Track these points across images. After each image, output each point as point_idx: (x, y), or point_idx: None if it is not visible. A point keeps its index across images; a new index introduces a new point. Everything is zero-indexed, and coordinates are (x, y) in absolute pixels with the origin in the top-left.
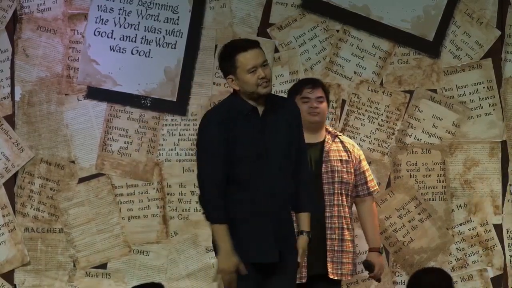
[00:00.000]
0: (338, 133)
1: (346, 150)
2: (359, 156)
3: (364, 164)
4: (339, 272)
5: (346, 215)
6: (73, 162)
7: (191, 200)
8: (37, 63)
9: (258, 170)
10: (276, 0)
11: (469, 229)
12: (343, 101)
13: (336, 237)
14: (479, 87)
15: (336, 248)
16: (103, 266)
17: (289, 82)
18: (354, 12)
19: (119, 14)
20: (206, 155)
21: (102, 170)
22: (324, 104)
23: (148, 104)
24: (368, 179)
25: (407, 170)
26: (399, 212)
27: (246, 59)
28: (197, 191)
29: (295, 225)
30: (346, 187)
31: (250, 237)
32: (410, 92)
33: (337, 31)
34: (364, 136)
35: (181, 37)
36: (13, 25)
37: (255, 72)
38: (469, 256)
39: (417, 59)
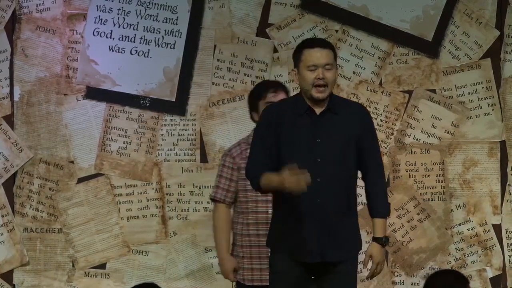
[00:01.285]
0: None
1: None
2: None
3: None
4: None
5: None
6: (72, 162)
7: (190, 200)
8: (36, 63)
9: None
10: (275, 0)
11: (468, 229)
12: None
13: None
14: (478, 87)
15: None
16: (102, 266)
17: (288, 82)
18: (353, 12)
19: (118, 14)
20: (253, 142)
21: (101, 170)
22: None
23: (147, 104)
24: None
25: (406, 170)
26: (398, 212)
27: (309, 55)
28: (196, 191)
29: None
30: None
31: (292, 236)
32: (409, 92)
33: (336, 31)
34: None
35: (180, 37)
36: (12, 25)
37: (314, 71)
38: (468, 256)
39: (416, 59)
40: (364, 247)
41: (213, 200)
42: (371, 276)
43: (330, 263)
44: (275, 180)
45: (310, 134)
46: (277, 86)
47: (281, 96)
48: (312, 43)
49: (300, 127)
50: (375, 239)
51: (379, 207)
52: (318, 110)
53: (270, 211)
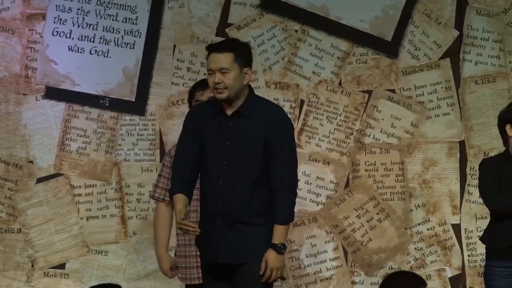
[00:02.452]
0: None
1: None
2: None
3: None
4: None
5: None
6: (31, 162)
7: (150, 200)
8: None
9: (209, 172)
10: (235, 0)
11: (428, 229)
12: (302, 101)
13: None
14: (438, 87)
15: None
16: (62, 266)
17: (249, 82)
18: (313, 12)
19: (77, 14)
20: (176, 153)
21: (61, 170)
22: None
23: (107, 104)
24: None
25: (366, 170)
26: (357, 212)
27: (208, 59)
28: None
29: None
30: None
31: (201, 238)
32: (369, 92)
33: (296, 31)
34: (322, 136)
35: (139, 37)
36: None
37: (212, 76)
38: (428, 255)
39: (375, 59)
40: (324, 247)
41: (153, 198)
42: (264, 281)
43: (236, 265)
44: (175, 210)
45: (220, 136)
46: (204, 85)
47: (208, 94)
48: (210, 47)
49: (213, 129)
50: (271, 245)
51: (278, 214)
52: (229, 112)
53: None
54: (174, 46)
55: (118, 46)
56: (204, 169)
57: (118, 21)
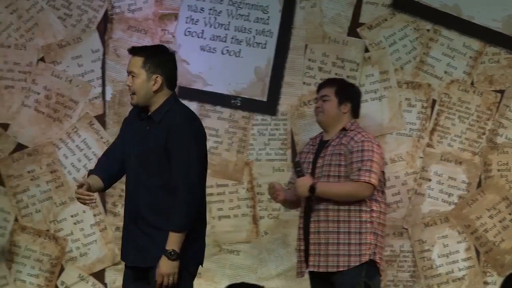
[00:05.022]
0: (356, 128)
1: (342, 143)
2: (352, 147)
3: (356, 156)
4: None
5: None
6: None
7: None
8: (127, 63)
9: (127, 176)
10: None
11: None
12: (434, 101)
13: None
14: None
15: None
16: None
17: (379, 82)
18: (445, 11)
19: (209, 14)
20: None
21: None
22: (328, 103)
23: (238, 104)
24: (355, 169)
25: (498, 170)
26: (490, 212)
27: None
28: None
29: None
30: (335, 180)
31: (122, 239)
32: (501, 92)
33: (428, 30)
34: (454, 136)
35: (271, 37)
36: (104, 25)
37: (128, 78)
38: None
39: (508, 59)
40: (456, 247)
41: None
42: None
43: (146, 268)
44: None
45: (138, 139)
46: (324, 81)
47: (323, 91)
48: (129, 49)
49: (134, 132)
50: (162, 251)
51: (171, 220)
52: (144, 116)
53: (304, 204)
54: (306, 46)
55: (250, 46)
56: (126, 171)
57: (250, 21)
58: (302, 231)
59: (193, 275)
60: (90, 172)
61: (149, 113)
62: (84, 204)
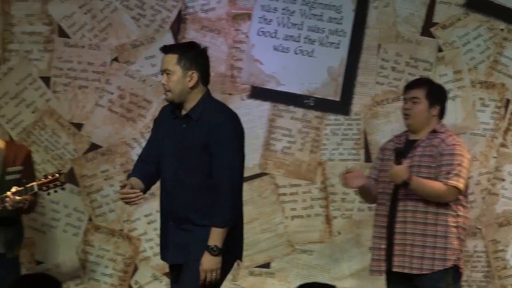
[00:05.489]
0: (446, 131)
1: (433, 145)
2: (442, 150)
3: (446, 158)
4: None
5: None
6: None
7: (355, 199)
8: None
9: (165, 173)
10: None
11: None
12: (508, 101)
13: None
14: None
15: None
16: (267, 265)
17: (453, 82)
18: None
19: (282, 14)
20: None
21: (266, 170)
22: (418, 106)
23: (312, 104)
24: (444, 172)
25: None
26: None
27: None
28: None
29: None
30: None
31: (160, 239)
32: None
33: (502, 30)
34: None
35: (344, 37)
36: (178, 25)
37: (162, 77)
38: None
39: None
40: None
41: None
42: (201, 285)
43: (184, 263)
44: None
45: (175, 138)
46: (412, 81)
47: (412, 93)
48: (160, 48)
49: (170, 131)
50: (206, 247)
51: (214, 216)
52: (182, 115)
53: (389, 203)
54: (379, 45)
55: (323, 45)
56: (161, 170)
57: (323, 20)
58: (385, 230)
59: (229, 270)
60: (129, 176)
61: (186, 111)
62: (131, 203)
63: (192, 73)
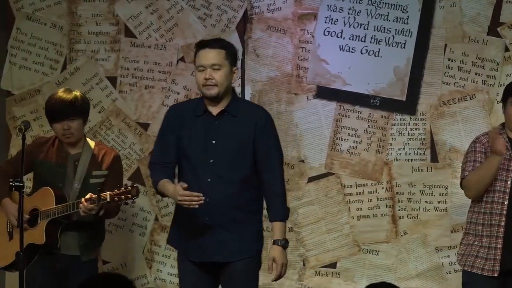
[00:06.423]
0: None
1: None
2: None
3: None
4: None
5: None
6: (303, 161)
7: (421, 199)
8: (267, 63)
9: (195, 171)
10: None
11: None
12: None
13: None
14: None
15: None
16: (333, 265)
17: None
18: None
19: (348, 13)
20: (156, 140)
21: (332, 170)
22: None
23: (377, 104)
24: None
25: None
26: None
27: (199, 55)
28: (427, 190)
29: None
30: None
31: (186, 235)
32: None
33: None
34: None
35: (410, 37)
36: (244, 25)
37: (203, 72)
38: None
39: None
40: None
41: None
42: (276, 278)
43: (225, 263)
44: (169, 191)
45: (205, 135)
46: None
47: None
48: (203, 43)
49: (197, 128)
50: (274, 242)
51: (276, 211)
52: (215, 111)
53: (506, 202)
54: (445, 45)
55: (389, 45)
56: (189, 168)
57: (389, 20)
58: (503, 230)
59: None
60: (159, 178)
61: (223, 108)
62: (190, 206)
63: (236, 69)
